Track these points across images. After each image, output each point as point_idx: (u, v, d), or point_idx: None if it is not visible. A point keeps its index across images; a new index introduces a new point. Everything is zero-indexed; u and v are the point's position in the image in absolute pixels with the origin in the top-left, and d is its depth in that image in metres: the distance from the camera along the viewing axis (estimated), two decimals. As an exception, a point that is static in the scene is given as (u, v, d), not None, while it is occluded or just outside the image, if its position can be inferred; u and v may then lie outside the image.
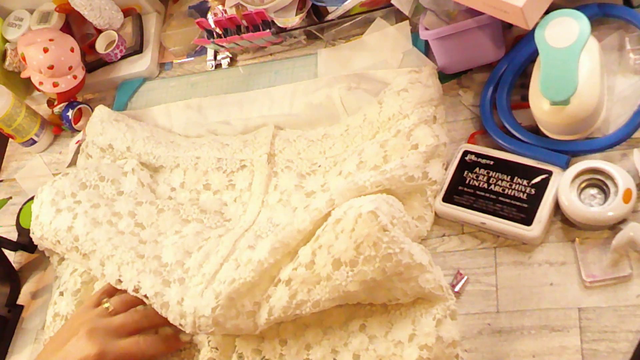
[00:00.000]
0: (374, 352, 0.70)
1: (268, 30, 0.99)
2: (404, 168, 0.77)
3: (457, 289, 0.73)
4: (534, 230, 0.71)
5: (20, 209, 1.04)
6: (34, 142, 1.13)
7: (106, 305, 0.79)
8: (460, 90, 0.87)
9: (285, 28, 1.00)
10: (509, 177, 0.76)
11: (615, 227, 0.69)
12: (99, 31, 1.15)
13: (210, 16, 1.06)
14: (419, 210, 0.79)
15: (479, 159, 0.79)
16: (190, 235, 0.83)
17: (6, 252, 0.99)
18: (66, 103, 1.11)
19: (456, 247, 0.77)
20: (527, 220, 0.72)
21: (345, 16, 0.98)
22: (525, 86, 0.78)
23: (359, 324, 0.72)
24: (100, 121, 1.02)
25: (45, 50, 1.05)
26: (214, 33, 1.03)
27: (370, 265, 0.66)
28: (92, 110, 1.11)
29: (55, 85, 1.08)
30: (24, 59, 1.07)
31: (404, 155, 0.79)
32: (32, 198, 1.05)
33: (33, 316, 0.96)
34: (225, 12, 1.04)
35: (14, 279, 0.99)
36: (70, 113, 1.09)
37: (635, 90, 0.76)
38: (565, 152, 0.75)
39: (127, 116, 1.05)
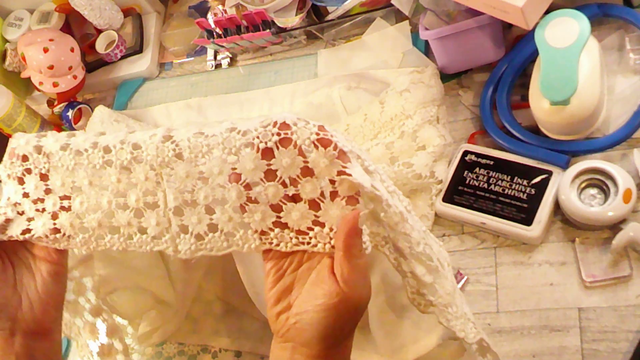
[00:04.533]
0: None
1: (268, 30, 0.99)
2: (411, 166, 0.77)
3: (457, 289, 0.73)
4: (534, 230, 0.71)
5: (20, 209, 1.04)
6: (34, 142, 1.13)
7: None
8: (460, 90, 0.87)
9: (285, 28, 1.00)
10: (509, 177, 0.76)
11: (615, 227, 0.69)
12: (99, 31, 1.15)
13: (210, 16, 1.06)
14: (422, 209, 0.79)
15: (479, 159, 0.79)
16: None
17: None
18: (66, 103, 1.11)
19: (456, 247, 0.77)
20: (527, 220, 0.72)
21: (345, 16, 0.98)
22: (525, 86, 0.78)
23: None
24: (101, 122, 1.02)
25: (45, 50, 1.05)
26: (214, 33, 1.03)
27: None
28: (92, 110, 1.11)
29: (55, 85, 1.08)
30: (24, 59, 1.07)
31: (412, 156, 0.79)
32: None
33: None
34: (225, 12, 1.04)
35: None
36: (70, 113, 1.09)
37: (635, 90, 0.76)
38: (565, 152, 0.75)
39: (128, 116, 1.05)
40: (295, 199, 0.53)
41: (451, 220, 0.78)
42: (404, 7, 0.93)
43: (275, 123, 0.52)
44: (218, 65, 1.09)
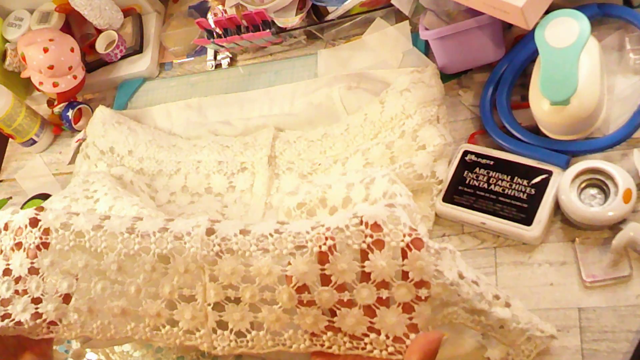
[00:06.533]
0: None
1: (268, 30, 0.99)
2: (412, 166, 0.77)
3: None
4: (534, 230, 0.71)
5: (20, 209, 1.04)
6: (34, 142, 1.13)
7: None
8: (460, 90, 0.87)
9: (285, 28, 1.00)
10: (509, 177, 0.76)
11: (615, 227, 0.69)
12: (99, 31, 1.15)
13: (210, 16, 1.06)
14: (423, 209, 0.79)
15: (479, 159, 0.79)
16: None
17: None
18: (66, 103, 1.11)
19: (456, 247, 0.76)
20: (527, 220, 0.72)
21: (345, 16, 0.98)
22: (525, 86, 0.78)
23: None
24: (102, 123, 1.02)
25: (45, 50, 1.05)
26: (214, 33, 1.03)
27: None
28: (92, 110, 1.11)
29: (55, 85, 1.08)
30: (24, 59, 1.07)
31: (412, 156, 0.79)
32: (32, 198, 1.05)
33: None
34: (225, 12, 1.04)
35: (14, 279, 0.98)
36: (70, 113, 1.09)
37: (635, 90, 0.76)
38: (565, 152, 0.75)
39: (127, 116, 1.05)
40: (350, 304, 0.52)
41: (451, 220, 0.78)
42: (404, 7, 0.93)
43: (328, 228, 0.51)
44: (218, 65, 1.09)
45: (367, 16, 0.98)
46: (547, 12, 0.74)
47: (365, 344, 0.52)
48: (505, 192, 0.75)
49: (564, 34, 0.72)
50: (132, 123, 1.03)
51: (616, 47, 0.79)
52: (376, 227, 0.50)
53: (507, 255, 0.74)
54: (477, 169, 0.78)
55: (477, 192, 0.77)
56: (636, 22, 0.77)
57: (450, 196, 0.78)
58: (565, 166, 0.74)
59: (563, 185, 0.71)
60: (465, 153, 0.80)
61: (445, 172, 0.79)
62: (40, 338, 0.58)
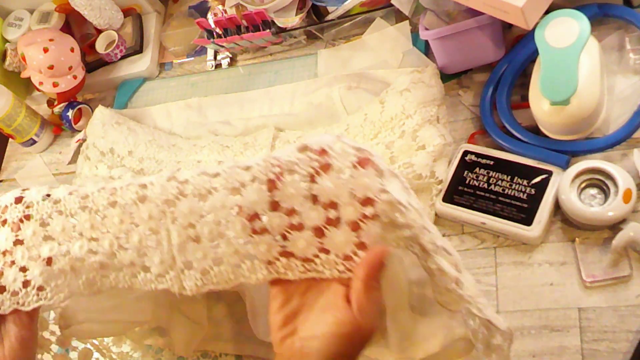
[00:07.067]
0: None
1: (268, 30, 0.99)
2: (412, 166, 0.77)
3: (457, 289, 0.73)
4: (534, 230, 0.71)
5: (20, 209, 1.04)
6: (34, 142, 1.13)
7: None
8: (460, 90, 0.87)
9: (285, 28, 1.00)
10: (509, 177, 0.76)
11: (615, 227, 0.69)
12: (99, 31, 1.15)
13: (210, 16, 1.06)
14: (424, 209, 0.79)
15: (479, 159, 0.79)
16: None
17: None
18: (66, 103, 1.11)
19: (456, 247, 0.77)
20: (527, 220, 0.72)
21: (345, 16, 0.98)
22: (525, 86, 0.78)
23: None
24: (102, 124, 1.02)
25: (45, 50, 1.05)
26: (214, 33, 1.03)
27: None
28: (92, 110, 1.11)
29: (55, 85, 1.08)
30: (24, 59, 1.07)
31: (412, 156, 0.79)
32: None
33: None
34: (225, 12, 1.04)
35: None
36: (70, 113, 1.09)
37: (635, 90, 0.76)
38: (565, 152, 0.75)
39: (127, 116, 1.05)
40: (300, 227, 0.53)
41: (451, 220, 0.78)
42: (404, 7, 0.93)
43: (276, 158, 0.52)
44: (218, 65, 1.09)
45: (367, 16, 0.98)
46: (547, 12, 0.74)
47: (317, 265, 0.53)
48: (505, 192, 0.75)
49: (564, 34, 0.72)
50: (132, 123, 1.03)
51: (616, 47, 0.79)
52: (322, 152, 0.51)
53: (507, 255, 0.74)
54: (477, 169, 0.78)
55: (477, 192, 0.77)
56: (636, 22, 0.77)
57: (450, 196, 0.78)
58: (565, 166, 0.74)
59: (563, 185, 0.71)
60: (465, 153, 0.80)
61: (445, 172, 0.79)
62: (32, 309, 0.60)
